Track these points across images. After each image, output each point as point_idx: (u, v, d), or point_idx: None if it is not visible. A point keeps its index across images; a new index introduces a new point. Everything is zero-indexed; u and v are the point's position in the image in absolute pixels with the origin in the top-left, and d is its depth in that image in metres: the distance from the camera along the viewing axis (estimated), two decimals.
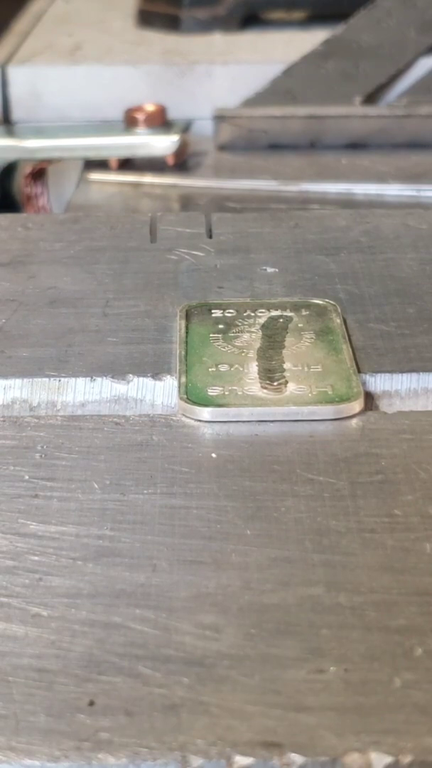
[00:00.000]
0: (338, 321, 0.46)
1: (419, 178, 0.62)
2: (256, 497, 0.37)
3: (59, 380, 0.43)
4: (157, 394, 0.43)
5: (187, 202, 0.71)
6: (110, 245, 0.54)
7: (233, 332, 0.45)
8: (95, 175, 0.75)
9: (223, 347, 0.44)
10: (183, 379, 0.42)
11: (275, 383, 0.42)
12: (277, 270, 0.51)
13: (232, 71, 0.81)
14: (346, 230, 0.55)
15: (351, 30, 0.79)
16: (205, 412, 0.40)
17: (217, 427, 0.40)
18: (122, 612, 0.33)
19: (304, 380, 0.42)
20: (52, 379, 0.43)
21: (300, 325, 0.46)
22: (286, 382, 0.42)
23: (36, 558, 0.35)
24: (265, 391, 0.41)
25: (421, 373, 0.43)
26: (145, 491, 0.37)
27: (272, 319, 0.46)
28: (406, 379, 0.43)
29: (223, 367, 0.43)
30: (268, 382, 0.42)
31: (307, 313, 0.46)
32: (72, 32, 0.91)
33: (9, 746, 0.29)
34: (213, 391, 0.41)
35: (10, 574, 0.34)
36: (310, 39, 0.82)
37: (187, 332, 0.45)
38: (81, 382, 0.43)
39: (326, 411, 0.40)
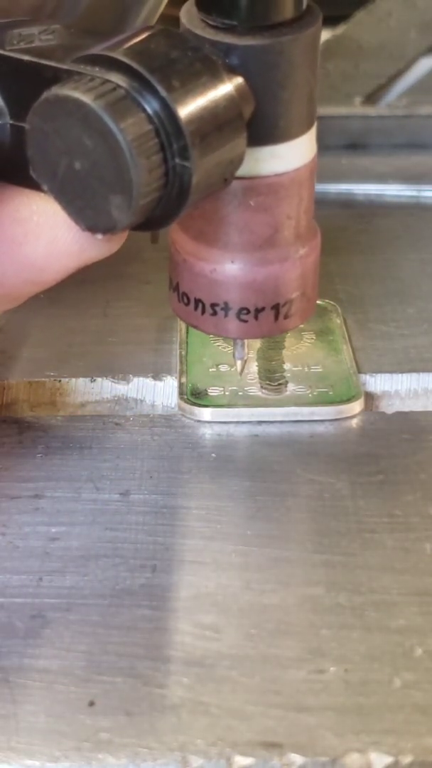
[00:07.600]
0: (338, 321, 0.46)
1: (419, 178, 0.62)
2: (256, 497, 0.37)
3: (59, 380, 0.43)
4: (157, 394, 0.43)
5: None
6: None
7: None
8: None
9: (224, 347, 0.44)
10: (183, 380, 0.42)
11: (275, 384, 0.42)
12: None
13: None
14: (346, 230, 0.55)
15: (351, 30, 0.79)
16: (205, 413, 0.40)
17: (217, 428, 0.40)
18: (122, 612, 0.33)
19: (304, 381, 0.42)
20: (52, 379, 0.43)
21: (300, 325, 0.45)
22: (286, 382, 0.42)
23: (36, 558, 0.35)
24: (265, 391, 0.41)
25: (421, 373, 0.43)
26: (145, 491, 0.37)
27: None
28: (406, 379, 0.43)
29: (223, 368, 0.43)
30: (268, 382, 0.42)
31: None
32: None
33: (9, 746, 0.29)
34: (213, 392, 0.41)
35: (10, 574, 0.34)
36: None
37: (187, 332, 0.45)
38: (81, 382, 0.43)
39: (326, 411, 0.40)
